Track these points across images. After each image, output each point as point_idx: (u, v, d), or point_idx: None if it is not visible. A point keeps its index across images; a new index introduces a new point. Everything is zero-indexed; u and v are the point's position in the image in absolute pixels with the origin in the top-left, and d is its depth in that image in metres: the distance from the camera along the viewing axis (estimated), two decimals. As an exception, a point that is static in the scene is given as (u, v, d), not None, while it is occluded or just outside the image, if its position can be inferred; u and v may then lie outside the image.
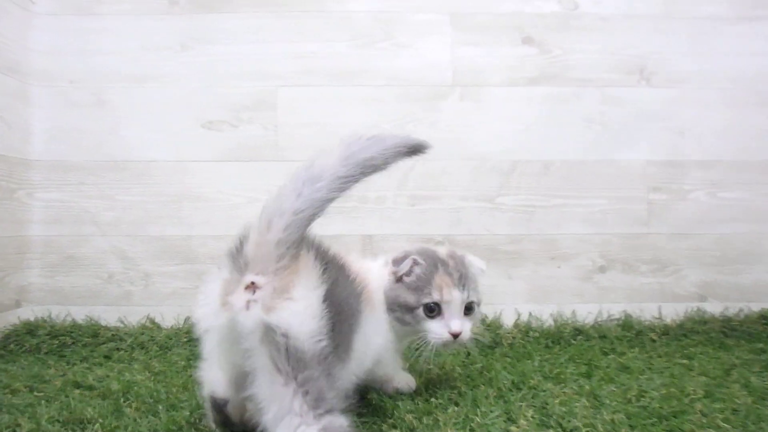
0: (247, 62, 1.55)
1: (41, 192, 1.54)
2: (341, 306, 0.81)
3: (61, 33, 1.56)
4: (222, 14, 1.55)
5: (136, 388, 1.05)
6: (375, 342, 0.93)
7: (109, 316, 1.50)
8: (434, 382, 1.09)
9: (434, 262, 1.01)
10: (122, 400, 1.00)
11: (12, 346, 1.36)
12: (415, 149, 0.85)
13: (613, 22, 1.54)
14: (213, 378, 0.81)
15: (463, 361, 1.26)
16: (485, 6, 1.55)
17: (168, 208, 1.53)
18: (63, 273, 1.53)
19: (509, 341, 1.42)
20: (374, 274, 1.00)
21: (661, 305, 1.51)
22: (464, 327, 0.99)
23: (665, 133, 1.55)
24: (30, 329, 1.42)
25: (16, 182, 1.47)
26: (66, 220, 1.54)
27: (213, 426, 0.82)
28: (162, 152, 1.55)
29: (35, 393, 1.05)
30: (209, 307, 0.77)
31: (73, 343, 1.39)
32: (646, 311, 1.51)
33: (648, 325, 1.48)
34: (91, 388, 1.08)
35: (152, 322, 1.51)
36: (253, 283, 0.74)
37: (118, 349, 1.36)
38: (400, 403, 0.97)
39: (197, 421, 0.88)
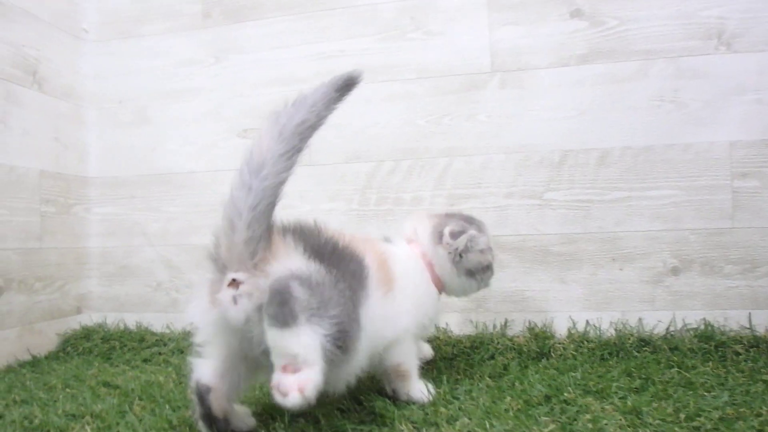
0: (275, 68, 1.61)
1: (97, 206, 1.73)
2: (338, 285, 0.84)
3: (109, 57, 1.74)
4: (250, 22, 1.63)
5: (155, 388, 1.15)
6: (399, 322, 1.00)
7: (158, 323, 1.64)
8: (457, 393, 1.06)
9: (480, 226, 1.17)
10: (137, 398, 1.09)
11: (69, 348, 1.55)
12: (346, 85, 0.87)
13: (678, -20, 1.38)
14: (202, 365, 0.87)
15: (500, 372, 1.19)
16: (525, -21, 1.42)
17: (207, 218, 1.64)
18: (118, 282, 1.69)
19: (559, 352, 1.32)
20: (401, 255, 1.08)
21: (751, 312, 1.33)
22: None
23: (755, 107, 1.37)
24: (86, 334, 1.60)
25: (74, 198, 1.66)
26: (119, 232, 1.71)
27: (197, 421, 0.87)
28: (200, 163, 1.66)
29: (66, 390, 1.19)
30: (199, 306, 0.86)
31: (122, 347, 1.53)
32: (732, 320, 1.34)
33: (733, 336, 1.30)
34: (116, 387, 1.19)
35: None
36: (234, 280, 0.81)
37: (159, 353, 1.48)
38: (405, 411, 0.96)
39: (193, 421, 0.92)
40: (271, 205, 0.81)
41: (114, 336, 1.56)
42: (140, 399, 1.07)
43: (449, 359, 1.34)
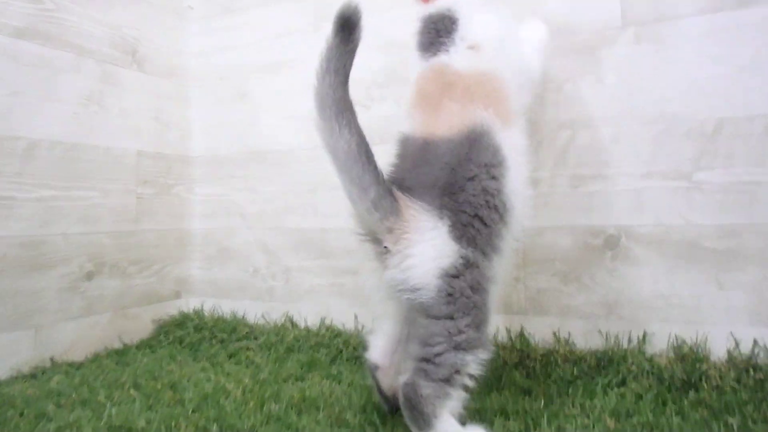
0: (376, 33, 1.49)
1: (199, 186, 1.80)
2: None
3: (211, 33, 1.80)
4: None
5: (217, 398, 1.11)
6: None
7: (254, 310, 1.66)
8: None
9: None
10: (189, 410, 1.05)
11: (161, 336, 1.61)
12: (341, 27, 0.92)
13: None
14: (374, 344, 1.00)
15: (627, 409, 0.98)
16: None
17: (305, 199, 1.63)
18: (218, 265, 1.76)
19: (714, 383, 1.08)
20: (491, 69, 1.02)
21: None
22: None
23: None
24: (181, 321, 1.66)
25: (174, 178, 1.75)
26: (219, 213, 1.77)
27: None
28: (297, 140, 1.66)
29: (131, 391, 1.18)
30: (372, 271, 0.95)
31: (212, 337, 1.56)
32: None
33: None
34: (180, 392, 1.16)
35: (290, 320, 1.62)
36: (386, 247, 0.88)
37: (247, 348, 1.47)
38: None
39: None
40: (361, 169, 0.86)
41: (207, 325, 1.62)
42: (193, 412, 1.06)
43: (567, 382, 1.07)
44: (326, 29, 1.56)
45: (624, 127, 1.27)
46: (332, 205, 1.57)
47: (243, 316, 1.65)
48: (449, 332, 0.85)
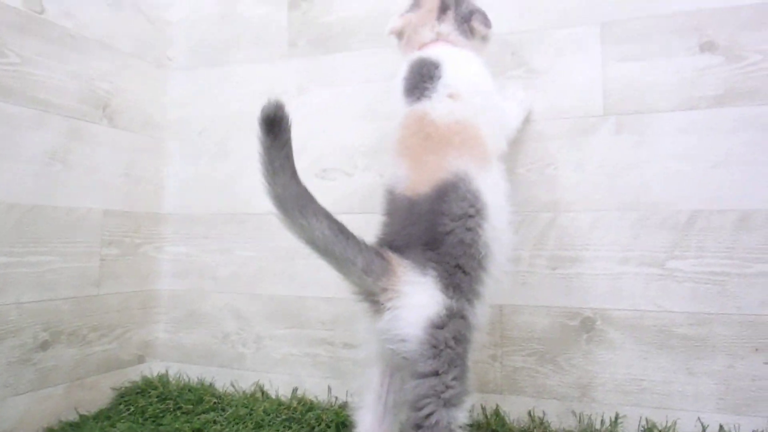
0: (362, 102, 1.61)
1: (170, 246, 1.77)
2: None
3: (194, 85, 1.78)
4: (339, 54, 1.64)
5: None
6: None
7: (223, 378, 1.63)
8: None
9: None
10: None
11: (121, 406, 1.52)
12: (270, 125, 0.95)
13: None
14: (361, 420, 1.01)
15: None
16: (647, 7, 1.35)
17: (281, 265, 1.62)
18: (185, 329, 1.72)
19: None
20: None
21: None
22: None
23: None
24: (143, 389, 1.59)
25: (142, 237, 1.71)
26: (190, 274, 1.74)
27: None
28: None
29: None
30: (364, 326, 1.01)
31: (176, 408, 1.49)
32: None
33: None
34: None
35: (261, 390, 1.60)
36: (382, 304, 0.94)
37: (214, 421, 1.42)
38: None
39: None
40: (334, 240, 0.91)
41: (172, 393, 1.55)
42: None
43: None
44: (310, 94, 1.64)
45: (603, 212, 1.34)
46: (309, 274, 1.56)
47: (211, 384, 1.60)
48: (436, 390, 0.89)
